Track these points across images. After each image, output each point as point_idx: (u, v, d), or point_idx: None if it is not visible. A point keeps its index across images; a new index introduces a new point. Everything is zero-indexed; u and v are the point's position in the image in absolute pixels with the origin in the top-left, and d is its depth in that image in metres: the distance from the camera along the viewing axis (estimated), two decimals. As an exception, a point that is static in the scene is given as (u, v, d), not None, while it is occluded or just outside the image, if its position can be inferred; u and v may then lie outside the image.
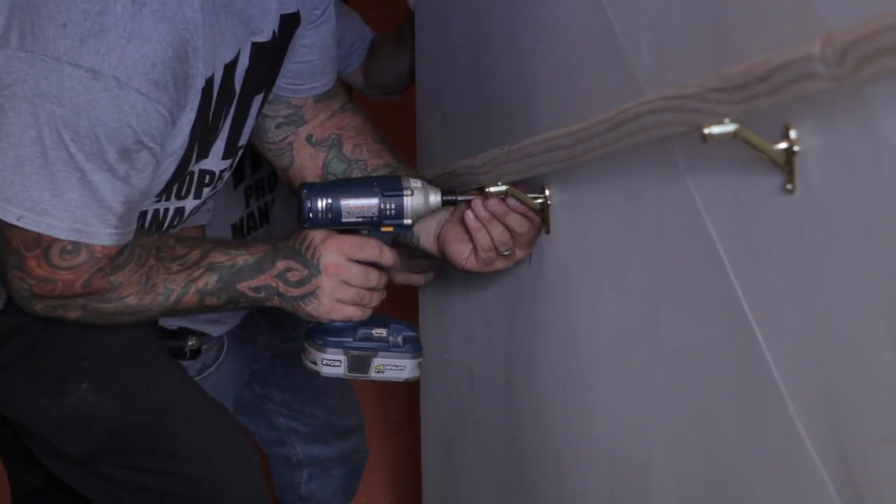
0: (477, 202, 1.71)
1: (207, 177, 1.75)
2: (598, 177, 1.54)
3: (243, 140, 1.78)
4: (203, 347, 2.27)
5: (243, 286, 1.69)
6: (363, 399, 2.74)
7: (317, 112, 1.91)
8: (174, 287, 1.67)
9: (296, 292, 1.70)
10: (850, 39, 0.87)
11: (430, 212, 1.75)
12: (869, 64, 0.86)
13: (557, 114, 1.63)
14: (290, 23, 1.77)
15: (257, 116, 1.80)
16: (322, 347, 1.78)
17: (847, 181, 1.01)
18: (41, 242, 1.56)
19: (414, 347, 1.85)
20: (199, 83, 1.59)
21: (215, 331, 2.30)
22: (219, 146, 1.72)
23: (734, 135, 1.09)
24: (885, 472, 1.01)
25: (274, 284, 1.70)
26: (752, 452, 1.22)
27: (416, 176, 1.82)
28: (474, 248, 1.74)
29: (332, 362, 1.79)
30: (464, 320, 2.11)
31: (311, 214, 1.72)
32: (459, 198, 1.75)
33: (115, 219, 1.57)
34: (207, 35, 1.57)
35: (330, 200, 1.73)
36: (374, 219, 1.74)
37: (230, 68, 1.66)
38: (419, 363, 1.85)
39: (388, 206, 1.74)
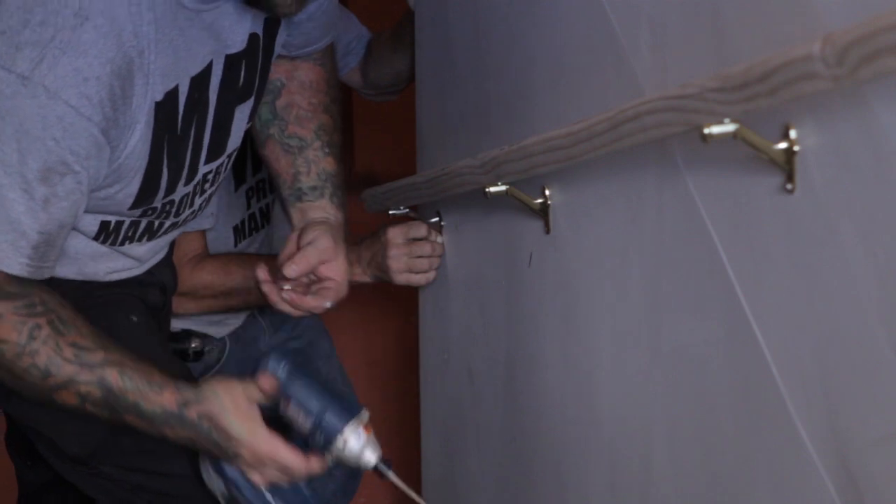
0: None
1: (196, 187, 1.74)
2: (597, 177, 1.54)
3: (231, 146, 1.76)
4: (206, 349, 2.28)
5: (129, 419, 1.63)
6: (363, 399, 2.73)
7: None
8: (55, 373, 1.59)
9: (211, 451, 1.66)
10: (849, 39, 0.88)
11: (356, 465, 1.72)
12: (869, 64, 0.86)
13: (557, 114, 1.63)
14: (270, 25, 1.75)
15: (249, 122, 1.79)
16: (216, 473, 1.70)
17: (847, 181, 1.01)
18: None
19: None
20: (153, 97, 1.56)
21: (218, 332, 2.30)
22: (202, 158, 1.70)
23: (734, 135, 1.09)
24: (885, 471, 1.01)
25: (172, 438, 1.65)
26: (752, 452, 1.22)
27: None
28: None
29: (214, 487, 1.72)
30: (464, 320, 2.11)
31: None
32: (391, 475, 1.75)
33: (30, 248, 1.53)
34: (164, 49, 1.54)
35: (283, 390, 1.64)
36: (305, 432, 1.66)
37: (199, 80, 1.63)
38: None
39: (319, 435, 1.66)
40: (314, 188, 1.87)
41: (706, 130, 1.09)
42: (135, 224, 1.73)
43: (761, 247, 1.17)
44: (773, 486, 1.19)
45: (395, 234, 2.12)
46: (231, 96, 1.71)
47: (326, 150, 1.89)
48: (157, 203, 1.69)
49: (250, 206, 2.33)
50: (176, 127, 1.62)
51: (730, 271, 1.22)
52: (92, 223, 1.69)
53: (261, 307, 2.28)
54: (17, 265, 1.53)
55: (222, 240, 2.29)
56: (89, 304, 1.77)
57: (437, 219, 2.16)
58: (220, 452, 1.66)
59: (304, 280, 1.83)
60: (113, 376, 1.61)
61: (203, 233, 2.20)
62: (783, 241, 1.12)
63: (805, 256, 1.09)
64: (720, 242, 1.24)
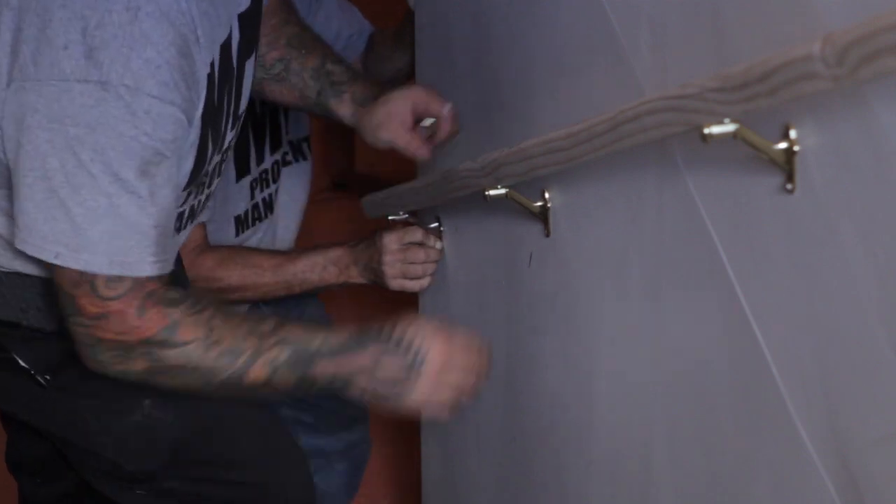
0: None
1: (223, 154, 1.75)
2: (597, 177, 1.54)
3: (243, 106, 1.77)
4: None
5: (317, 370, 1.61)
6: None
7: None
8: (242, 350, 1.59)
9: (385, 391, 1.63)
10: (849, 39, 0.88)
11: None
12: (868, 64, 0.86)
13: (557, 114, 1.63)
14: None
15: (253, 78, 1.80)
16: None
17: (847, 181, 1.01)
18: (85, 277, 1.52)
19: None
20: (205, 71, 1.58)
21: None
22: (229, 126, 1.71)
23: (734, 135, 1.09)
24: (885, 471, 1.01)
25: (355, 377, 1.62)
26: (752, 452, 1.22)
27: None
28: None
29: None
30: (464, 320, 2.10)
31: None
32: None
33: (153, 245, 1.54)
34: (204, 23, 1.56)
35: None
36: None
37: (226, 47, 1.64)
38: None
39: None
40: (321, 91, 1.89)
41: (706, 130, 1.09)
42: (180, 215, 1.73)
43: (761, 247, 1.17)
44: (773, 486, 1.19)
45: (390, 241, 2.12)
46: (245, 55, 1.72)
47: (304, 52, 1.91)
48: (199, 178, 1.70)
49: (254, 196, 2.34)
50: (214, 99, 1.63)
51: (730, 271, 1.22)
52: None
53: (256, 302, 2.28)
54: (149, 266, 1.54)
55: (223, 230, 2.29)
56: None
57: (436, 224, 2.16)
58: (401, 372, 1.62)
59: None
60: (290, 331, 1.61)
61: (202, 224, 2.20)
62: (783, 241, 1.12)
63: (805, 256, 1.09)
64: (720, 242, 1.24)
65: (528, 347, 1.83)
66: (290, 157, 2.40)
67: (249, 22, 1.71)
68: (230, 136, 1.74)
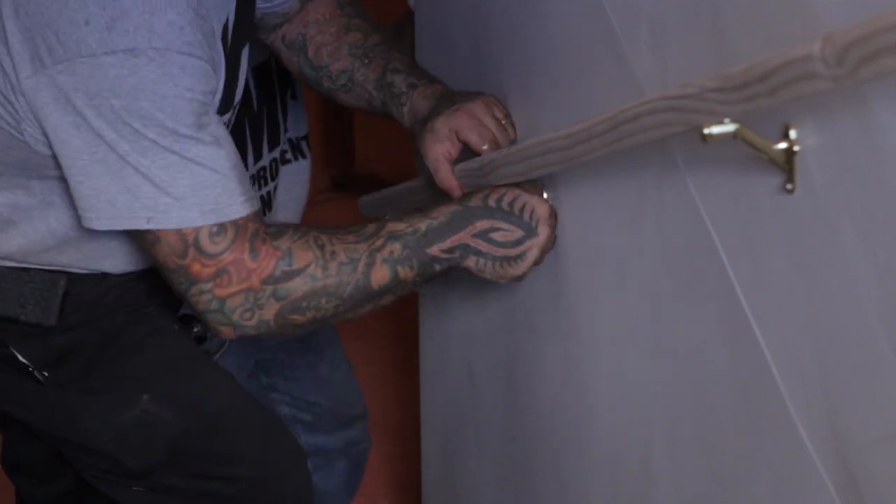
0: None
1: None
2: (597, 177, 1.54)
3: (238, 96, 1.76)
4: (208, 334, 2.28)
5: (434, 249, 1.63)
6: (365, 399, 2.73)
7: (297, 6, 1.91)
8: (358, 256, 1.59)
9: (505, 253, 1.64)
10: (849, 39, 0.87)
11: None
12: (868, 64, 0.86)
13: (557, 114, 1.63)
14: None
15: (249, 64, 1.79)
16: None
17: (847, 181, 1.01)
18: (187, 240, 1.53)
19: None
20: (219, 36, 1.59)
21: None
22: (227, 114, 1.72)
23: (734, 135, 1.09)
24: (885, 471, 1.01)
25: (472, 244, 1.64)
26: (752, 452, 1.22)
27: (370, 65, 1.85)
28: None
29: None
30: (464, 320, 2.10)
31: None
32: None
33: (237, 184, 1.54)
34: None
35: None
36: None
37: (224, 31, 1.65)
38: None
39: None
40: (384, 102, 1.87)
41: (706, 130, 1.09)
42: None
43: (761, 247, 1.17)
44: (773, 486, 1.19)
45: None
46: (237, 40, 1.71)
47: (366, 62, 1.89)
48: None
49: None
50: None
51: (730, 271, 1.22)
52: None
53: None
54: (240, 206, 1.55)
55: None
56: (135, 318, 1.77)
57: None
58: (518, 223, 1.65)
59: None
60: (393, 224, 1.63)
61: None
62: (783, 241, 1.12)
63: (805, 256, 1.09)
64: (720, 242, 1.24)
65: (528, 347, 1.83)
66: (289, 156, 2.40)
67: (246, 8, 1.71)
68: (223, 119, 1.73)
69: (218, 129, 1.55)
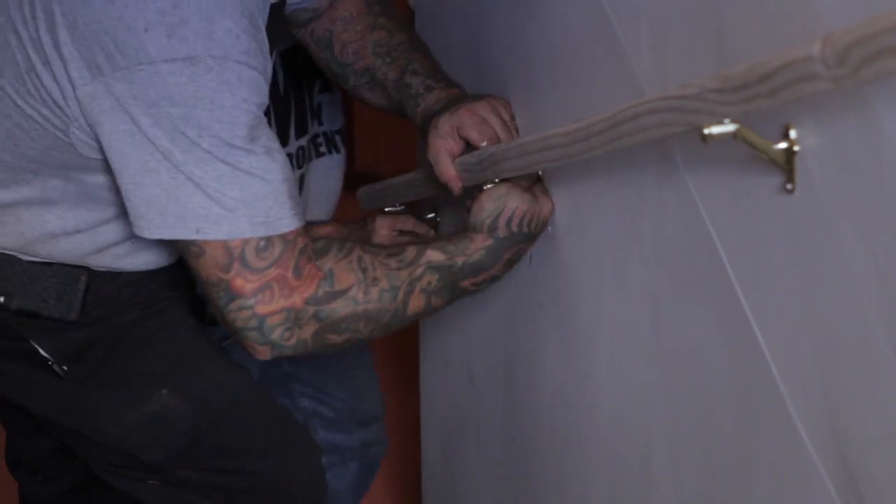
0: None
1: None
2: (597, 177, 1.54)
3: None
4: None
5: (466, 283, 1.67)
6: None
7: (325, 3, 1.91)
8: (399, 284, 1.62)
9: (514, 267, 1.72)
10: (850, 40, 0.87)
11: None
12: (869, 65, 0.86)
13: (557, 114, 1.63)
14: None
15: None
16: None
17: (847, 181, 1.01)
18: (233, 253, 1.52)
19: None
20: (268, 47, 1.59)
21: None
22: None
23: (734, 135, 1.09)
24: (885, 471, 1.01)
25: (499, 273, 1.70)
26: (752, 452, 1.22)
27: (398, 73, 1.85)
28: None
29: None
30: (464, 320, 2.11)
31: None
32: None
33: (287, 198, 1.54)
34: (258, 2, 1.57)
35: None
36: None
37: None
38: None
39: None
40: (401, 102, 1.88)
41: (706, 131, 1.09)
42: None
43: (761, 247, 1.17)
44: (773, 486, 1.19)
45: (381, 224, 2.13)
46: (271, 42, 1.72)
47: (388, 61, 1.89)
48: None
49: None
50: None
51: (730, 271, 1.22)
52: None
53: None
54: (289, 220, 1.55)
55: None
56: (147, 314, 1.77)
57: (432, 215, 2.16)
58: (532, 237, 1.70)
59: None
60: (433, 254, 1.65)
61: None
62: (783, 241, 1.12)
63: (805, 256, 1.09)
64: (720, 242, 1.24)
65: (528, 347, 1.83)
66: (323, 149, 2.40)
67: (276, 13, 1.71)
68: None
69: (270, 140, 1.54)
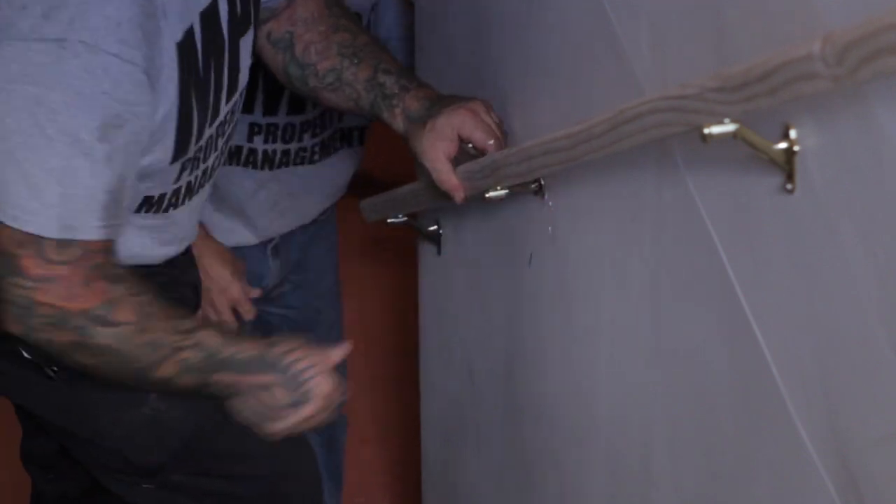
0: None
1: (219, 128, 1.73)
2: (597, 177, 1.54)
3: (242, 82, 1.75)
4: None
5: (220, 377, 1.64)
6: (365, 399, 2.74)
7: (283, 3, 1.89)
8: (163, 344, 1.60)
9: (265, 412, 1.67)
10: (849, 39, 0.87)
11: None
12: (869, 63, 0.86)
13: (557, 114, 1.63)
14: None
15: (252, 56, 1.77)
16: None
17: (847, 181, 1.01)
18: (34, 240, 1.51)
19: None
20: (175, 38, 1.55)
21: None
22: (223, 97, 1.70)
23: (734, 135, 1.09)
24: (885, 471, 1.01)
25: (247, 391, 1.65)
26: (752, 452, 1.22)
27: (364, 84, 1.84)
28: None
29: None
30: (464, 320, 2.11)
31: None
32: None
33: (101, 209, 1.52)
34: None
35: None
36: None
37: (209, 17, 1.62)
38: None
39: None
40: (374, 102, 1.86)
41: (706, 130, 1.09)
42: (177, 190, 1.72)
43: (761, 247, 1.17)
44: (773, 486, 1.19)
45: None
46: (236, 29, 1.70)
47: (356, 61, 1.88)
48: (191, 152, 1.68)
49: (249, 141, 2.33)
50: (199, 70, 1.62)
51: (730, 271, 1.22)
52: (136, 198, 1.69)
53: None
54: (94, 230, 1.53)
55: None
56: None
57: (435, 227, 2.16)
58: (294, 391, 1.65)
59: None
60: (207, 336, 1.62)
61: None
62: (783, 241, 1.12)
63: (805, 256, 1.09)
64: (720, 242, 1.24)
65: (528, 347, 1.83)
66: (338, 144, 2.39)
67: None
68: (225, 109, 1.72)
69: (122, 147, 1.52)
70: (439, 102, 1.79)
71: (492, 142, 1.73)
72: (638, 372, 1.48)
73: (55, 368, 1.75)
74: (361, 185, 2.44)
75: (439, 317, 2.23)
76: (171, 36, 1.55)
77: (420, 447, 2.39)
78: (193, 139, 1.66)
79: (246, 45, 1.74)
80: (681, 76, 1.23)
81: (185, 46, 1.58)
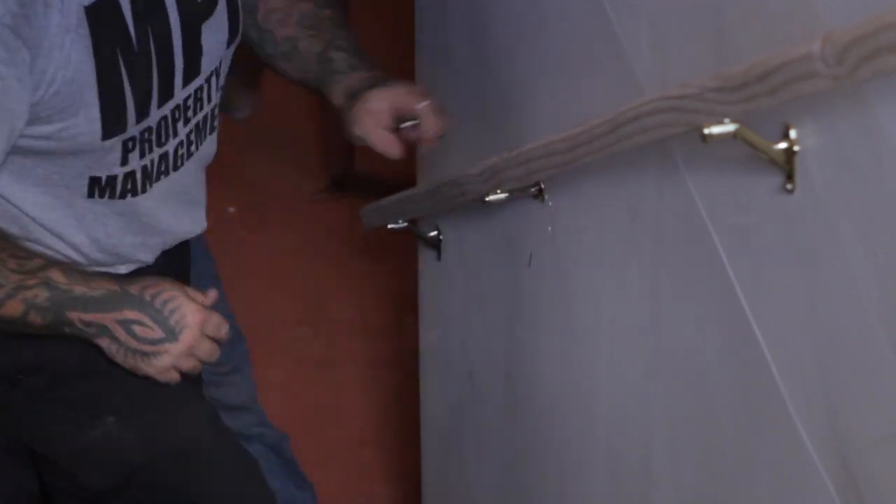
0: None
1: (176, 112, 1.70)
2: (597, 178, 1.54)
3: (207, 66, 1.72)
4: None
5: (73, 315, 1.61)
6: (365, 399, 2.73)
7: None
8: (4, 284, 1.58)
9: (139, 347, 1.64)
10: (849, 38, 0.88)
11: None
12: (869, 63, 0.86)
13: (557, 114, 1.63)
14: None
15: (230, 42, 1.75)
16: None
17: (847, 181, 1.01)
18: None
19: None
20: (82, 1, 1.52)
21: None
22: (178, 79, 1.67)
23: (734, 135, 1.09)
24: (885, 471, 1.01)
25: (111, 327, 1.63)
26: (752, 452, 1.22)
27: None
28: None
29: None
30: (464, 320, 2.11)
31: None
32: None
33: None
34: None
35: None
36: None
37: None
38: None
39: None
40: (319, 76, 1.85)
41: (706, 130, 1.10)
42: (130, 175, 1.70)
43: (761, 247, 1.17)
44: (773, 486, 1.19)
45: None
46: (192, 11, 1.66)
47: (313, 33, 1.86)
48: (134, 131, 1.64)
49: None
50: (129, 41, 1.58)
51: (730, 271, 1.22)
52: (78, 178, 1.68)
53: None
54: None
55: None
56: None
57: (435, 232, 2.16)
58: (163, 324, 1.64)
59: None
60: (56, 273, 1.60)
61: None
62: (783, 241, 1.12)
63: (805, 256, 1.09)
64: (720, 242, 1.24)
65: (528, 347, 1.83)
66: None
67: None
68: (182, 93, 1.69)
69: None
70: (381, 84, 1.79)
71: (425, 103, 1.72)
72: (638, 372, 1.48)
73: (20, 377, 1.74)
74: (365, 185, 2.44)
75: (439, 319, 2.23)
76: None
77: (420, 448, 2.39)
78: (130, 115, 1.62)
79: (211, 29, 1.70)
80: (681, 76, 1.23)
81: (100, 12, 1.54)
